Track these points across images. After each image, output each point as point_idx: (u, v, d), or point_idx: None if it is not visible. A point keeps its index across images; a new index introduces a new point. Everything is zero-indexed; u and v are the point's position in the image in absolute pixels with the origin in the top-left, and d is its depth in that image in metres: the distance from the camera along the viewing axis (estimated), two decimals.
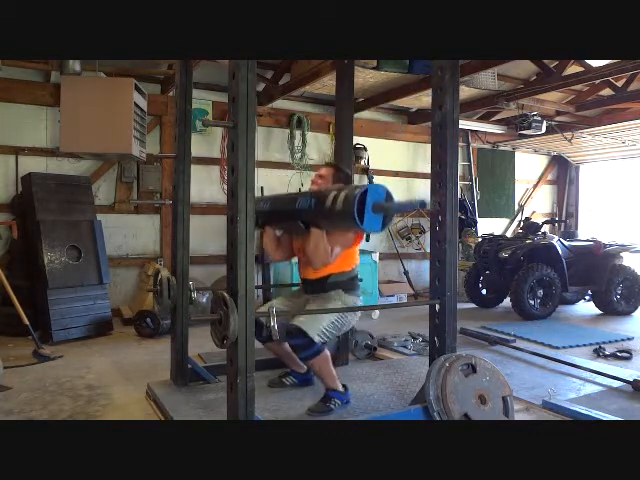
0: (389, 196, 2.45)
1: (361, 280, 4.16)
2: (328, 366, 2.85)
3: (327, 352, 2.83)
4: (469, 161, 8.19)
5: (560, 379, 3.68)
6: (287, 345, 2.92)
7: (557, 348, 4.62)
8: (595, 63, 5.37)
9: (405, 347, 4.47)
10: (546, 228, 7.11)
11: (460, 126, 2.69)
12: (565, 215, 9.39)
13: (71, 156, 5.40)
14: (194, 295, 3.24)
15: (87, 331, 4.88)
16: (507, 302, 6.32)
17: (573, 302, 6.95)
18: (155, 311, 5.05)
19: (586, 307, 6.83)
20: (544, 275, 5.93)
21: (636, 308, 6.42)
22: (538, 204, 9.24)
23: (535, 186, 9.17)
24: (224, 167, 6.10)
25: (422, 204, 2.29)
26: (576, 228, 9.22)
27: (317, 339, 2.74)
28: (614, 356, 4.33)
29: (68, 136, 4.71)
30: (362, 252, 6.01)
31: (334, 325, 2.83)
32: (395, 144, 7.58)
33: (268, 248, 3.14)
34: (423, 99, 6.25)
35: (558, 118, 7.28)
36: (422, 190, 7.73)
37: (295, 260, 3.22)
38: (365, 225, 2.36)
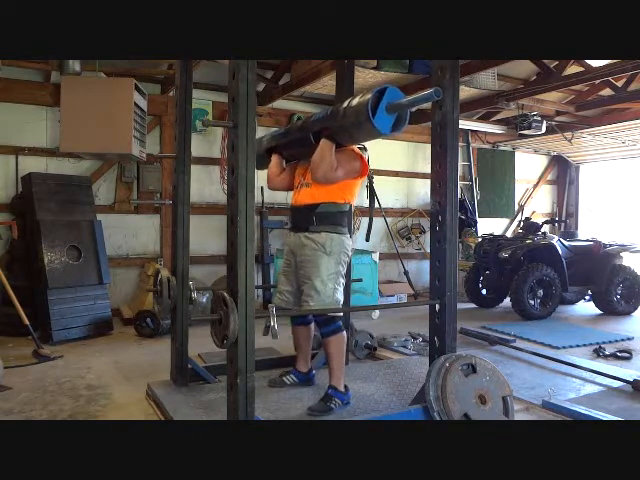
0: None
1: (360, 280, 4.18)
2: (342, 352, 2.91)
3: (345, 335, 2.93)
4: (469, 161, 8.19)
5: (560, 379, 3.68)
6: (311, 329, 3.16)
7: (557, 348, 4.62)
8: (595, 63, 5.37)
9: (405, 347, 4.46)
10: (546, 228, 7.11)
11: (460, 126, 2.69)
12: (565, 215, 9.39)
13: (71, 156, 5.40)
14: (194, 295, 3.24)
15: (87, 331, 4.88)
16: (507, 302, 6.32)
17: (573, 302, 6.94)
18: (155, 311, 5.04)
19: (586, 307, 6.83)
20: (544, 275, 5.93)
21: (636, 308, 6.42)
22: (538, 204, 9.24)
23: (535, 186, 9.18)
24: (224, 167, 6.11)
25: (437, 92, 2.32)
26: (576, 228, 9.22)
27: (336, 312, 2.85)
28: (614, 356, 4.33)
29: (68, 136, 4.71)
30: (362, 252, 6.06)
31: (336, 277, 2.88)
32: (395, 144, 7.58)
33: (272, 173, 3.18)
34: None
35: (558, 118, 7.28)
36: (422, 190, 7.75)
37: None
38: (376, 120, 2.40)
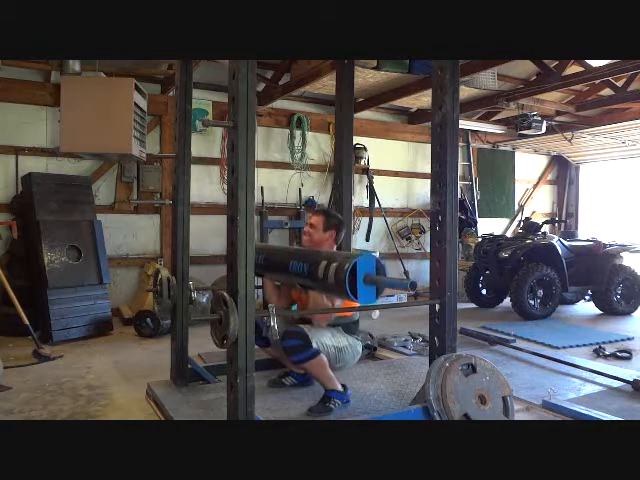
0: (379, 266, 2.40)
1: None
2: (325, 370, 2.83)
3: (324, 357, 2.79)
4: (469, 161, 8.19)
5: (560, 379, 3.68)
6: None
7: (557, 348, 4.62)
8: (595, 63, 5.38)
9: (405, 347, 4.46)
10: (546, 228, 7.11)
11: (460, 126, 2.69)
12: (565, 215, 9.39)
13: (71, 156, 5.40)
14: (194, 295, 3.24)
15: (87, 331, 4.88)
16: (507, 302, 6.32)
17: (573, 302, 6.94)
18: (155, 311, 5.04)
19: (586, 307, 6.83)
20: (544, 275, 5.93)
21: (636, 308, 6.42)
22: (538, 204, 9.25)
23: (535, 186, 9.18)
24: (224, 167, 6.11)
25: (412, 285, 2.23)
26: (576, 228, 9.22)
27: (314, 345, 2.76)
28: (614, 356, 4.33)
29: (68, 136, 4.70)
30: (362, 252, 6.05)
31: (333, 351, 2.86)
32: (395, 144, 7.58)
33: (269, 297, 3.21)
34: (423, 99, 6.25)
35: (558, 118, 7.28)
36: (422, 190, 7.75)
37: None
38: (359, 298, 2.32)
